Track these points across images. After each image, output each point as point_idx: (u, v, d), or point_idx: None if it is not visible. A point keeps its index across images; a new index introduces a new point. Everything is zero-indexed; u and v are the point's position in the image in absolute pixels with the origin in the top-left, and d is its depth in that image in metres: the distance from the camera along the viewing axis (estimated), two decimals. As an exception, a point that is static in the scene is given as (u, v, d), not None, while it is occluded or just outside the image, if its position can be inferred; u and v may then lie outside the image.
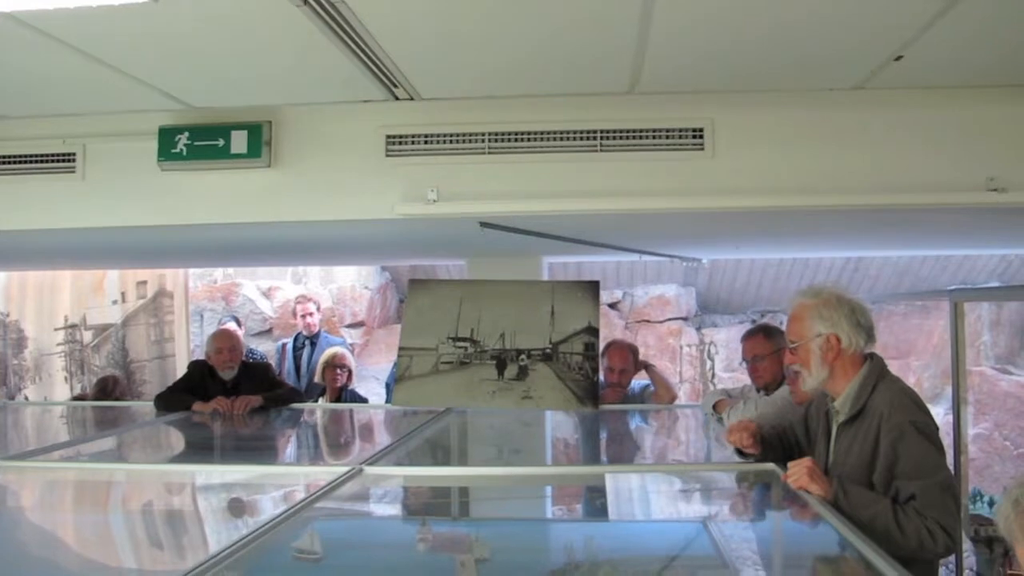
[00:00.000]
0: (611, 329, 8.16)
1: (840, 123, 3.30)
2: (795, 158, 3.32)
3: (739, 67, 3.01)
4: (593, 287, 4.19)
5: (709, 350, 8.60)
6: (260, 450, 3.81)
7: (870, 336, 2.27)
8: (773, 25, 2.61)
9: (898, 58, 2.87)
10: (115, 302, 7.41)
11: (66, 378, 7.41)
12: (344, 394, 4.88)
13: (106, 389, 5.26)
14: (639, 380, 4.28)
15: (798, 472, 2.19)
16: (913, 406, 2.16)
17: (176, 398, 4.05)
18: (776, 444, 2.61)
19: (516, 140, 3.35)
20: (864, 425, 2.17)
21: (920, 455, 2.06)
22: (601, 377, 4.05)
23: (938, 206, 3.27)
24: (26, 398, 7.38)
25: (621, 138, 3.33)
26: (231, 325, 6.40)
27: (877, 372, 2.24)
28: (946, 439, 6.04)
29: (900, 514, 2.01)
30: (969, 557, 4.03)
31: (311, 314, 6.13)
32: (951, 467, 4.07)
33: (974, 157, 3.24)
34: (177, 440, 3.89)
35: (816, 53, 2.86)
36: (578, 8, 2.46)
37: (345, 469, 2.56)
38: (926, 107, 3.25)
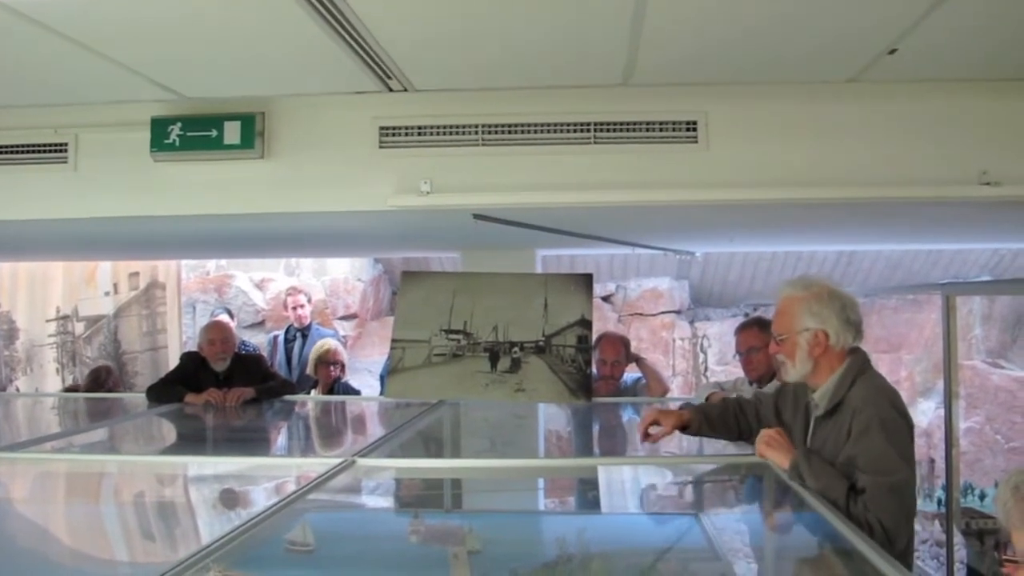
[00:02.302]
0: (604, 322, 8.15)
1: (834, 116, 3.31)
2: (789, 151, 3.33)
3: (733, 60, 3.01)
4: (586, 280, 4.18)
5: (702, 343, 8.62)
6: (252, 442, 3.81)
7: (858, 332, 2.26)
8: (767, 18, 2.61)
9: (892, 51, 2.87)
10: (107, 293, 7.39)
11: (57, 369, 7.39)
12: (336, 386, 4.87)
13: (99, 379, 5.24)
14: (631, 373, 4.28)
15: (757, 441, 2.31)
16: (886, 403, 2.15)
17: (168, 390, 4.03)
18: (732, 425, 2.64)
19: (510, 132, 3.35)
20: (840, 420, 2.18)
21: (878, 452, 2.06)
22: (594, 370, 4.06)
23: (931, 199, 3.29)
24: (17, 389, 7.35)
25: (615, 130, 3.33)
26: (224, 317, 6.38)
27: (857, 367, 2.23)
28: (937, 432, 6.07)
29: (851, 498, 2.03)
30: (960, 550, 4.05)
31: (302, 306, 6.12)
32: (943, 460, 4.10)
33: (968, 151, 3.25)
34: (169, 432, 3.88)
35: (810, 46, 2.86)
36: (572, 2, 2.46)
37: (337, 461, 2.55)
38: (920, 100, 3.27)
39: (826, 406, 2.23)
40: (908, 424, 2.16)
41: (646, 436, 2.62)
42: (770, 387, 3.21)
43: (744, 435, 2.59)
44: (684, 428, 2.61)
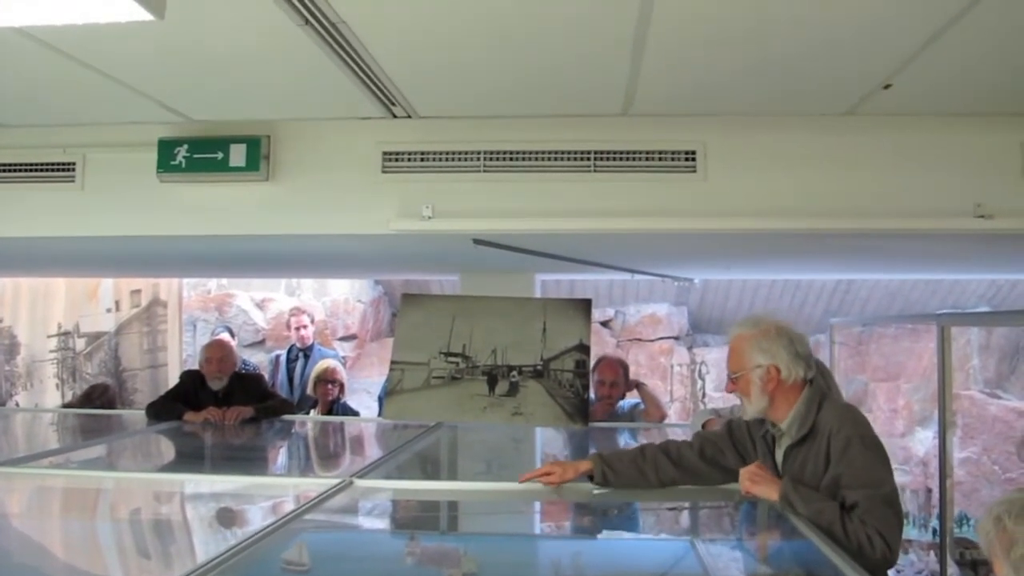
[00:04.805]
0: (602, 347, 8.17)
1: (830, 148, 3.35)
2: (785, 181, 3.37)
3: (732, 93, 3.06)
4: (585, 305, 4.21)
5: (700, 369, 8.63)
6: (250, 461, 3.81)
7: (808, 365, 2.29)
8: (765, 56, 2.66)
9: (887, 86, 2.93)
10: (109, 310, 7.42)
11: (58, 385, 7.40)
12: (336, 407, 4.88)
13: (91, 397, 5.20)
14: (629, 399, 4.30)
15: (741, 480, 2.29)
16: (859, 421, 2.22)
17: (168, 407, 4.05)
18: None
19: (511, 159, 3.39)
20: (815, 444, 2.21)
21: (865, 467, 2.11)
22: (592, 393, 4.08)
23: (925, 231, 3.32)
24: (17, 404, 7.36)
25: (615, 159, 3.37)
26: (224, 335, 6.40)
27: (820, 393, 2.28)
28: (934, 462, 6.09)
29: (844, 517, 2.06)
30: (955, 581, 4.05)
31: (305, 326, 6.15)
32: (937, 490, 4.11)
33: (961, 183, 3.29)
34: (168, 449, 3.89)
35: (807, 81, 2.92)
36: (573, 36, 2.51)
37: (335, 481, 2.56)
38: (914, 134, 3.31)
39: (796, 434, 2.26)
40: (879, 440, 2.22)
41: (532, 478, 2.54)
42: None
43: (666, 482, 2.48)
44: (591, 478, 2.53)
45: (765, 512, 2.42)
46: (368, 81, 2.92)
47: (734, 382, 2.35)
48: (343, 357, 7.27)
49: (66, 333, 7.42)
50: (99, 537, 2.52)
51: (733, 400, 3.76)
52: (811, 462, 2.22)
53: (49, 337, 7.41)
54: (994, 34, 2.47)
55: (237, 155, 3.42)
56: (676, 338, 8.81)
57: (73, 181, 3.61)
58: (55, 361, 7.41)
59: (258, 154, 3.43)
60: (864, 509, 2.06)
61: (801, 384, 2.28)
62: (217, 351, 4.25)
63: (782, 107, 3.24)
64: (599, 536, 3.07)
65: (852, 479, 2.10)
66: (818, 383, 2.32)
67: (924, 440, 7.64)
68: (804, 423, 2.24)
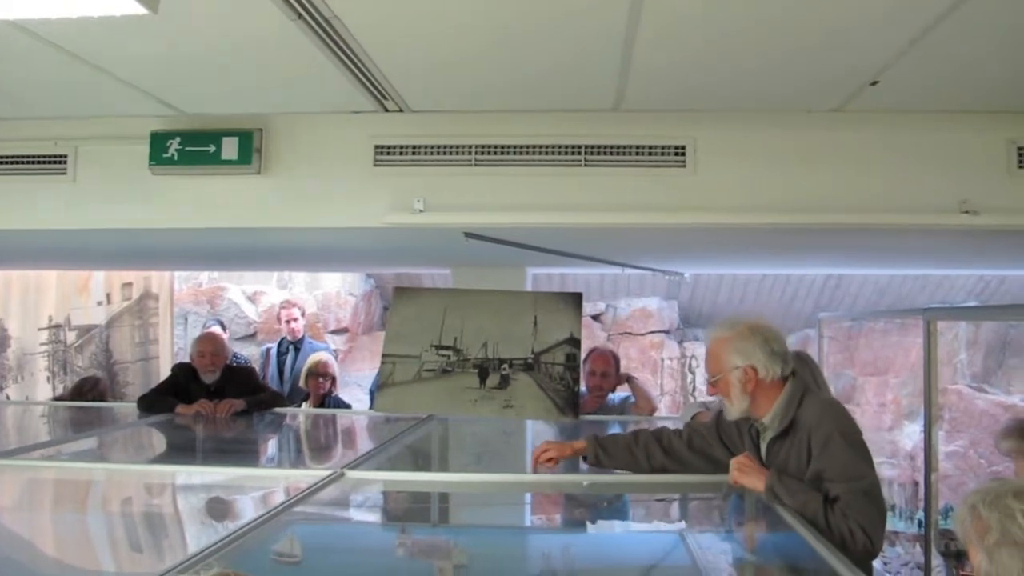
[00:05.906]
0: (593, 340, 8.19)
1: (818, 144, 3.38)
2: (774, 176, 3.40)
3: (721, 89, 3.08)
4: (576, 299, 4.23)
5: (690, 363, 8.67)
6: (242, 453, 3.82)
7: (786, 361, 2.33)
8: (754, 52, 2.69)
9: (874, 83, 2.96)
10: (100, 303, 7.40)
11: (48, 378, 7.38)
12: (327, 401, 4.89)
13: (81, 391, 5.19)
14: (620, 392, 4.33)
15: (730, 470, 2.33)
16: (840, 415, 2.25)
17: (159, 400, 4.05)
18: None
19: (502, 153, 3.41)
20: (796, 438, 2.25)
21: (845, 461, 2.15)
22: (583, 385, 4.10)
23: (912, 227, 3.36)
24: (7, 397, 7.33)
25: (605, 153, 3.39)
26: (216, 329, 6.39)
27: (801, 388, 2.32)
28: (921, 455, 6.14)
29: (827, 509, 2.10)
30: (941, 572, 4.10)
31: (295, 319, 6.14)
32: (922, 484, 4.15)
33: (947, 180, 3.33)
34: (159, 442, 3.89)
35: (796, 77, 2.94)
36: (564, 31, 2.53)
37: (327, 473, 2.57)
38: (902, 130, 3.34)
39: (778, 427, 2.30)
40: (860, 434, 2.26)
41: (536, 464, 2.69)
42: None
43: (657, 468, 2.60)
44: (585, 457, 2.70)
45: (753, 504, 2.44)
46: (360, 75, 2.93)
47: (714, 385, 2.39)
48: (334, 350, 7.28)
49: (57, 326, 7.39)
50: (90, 528, 2.53)
51: (722, 394, 3.81)
52: (794, 456, 2.26)
53: (40, 330, 7.38)
54: (981, 32, 2.50)
55: (229, 148, 3.43)
56: (666, 332, 8.85)
57: (65, 173, 3.61)
58: (46, 354, 7.38)
59: (250, 147, 3.44)
60: (845, 502, 2.09)
61: (781, 381, 2.32)
62: (209, 345, 4.25)
63: (771, 103, 3.26)
64: (589, 528, 3.09)
65: (833, 473, 2.14)
66: (801, 378, 2.36)
67: (912, 434, 7.70)
68: (784, 417, 2.29)
